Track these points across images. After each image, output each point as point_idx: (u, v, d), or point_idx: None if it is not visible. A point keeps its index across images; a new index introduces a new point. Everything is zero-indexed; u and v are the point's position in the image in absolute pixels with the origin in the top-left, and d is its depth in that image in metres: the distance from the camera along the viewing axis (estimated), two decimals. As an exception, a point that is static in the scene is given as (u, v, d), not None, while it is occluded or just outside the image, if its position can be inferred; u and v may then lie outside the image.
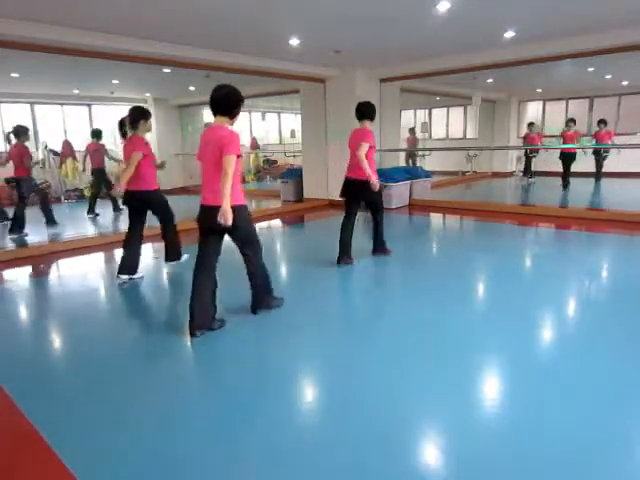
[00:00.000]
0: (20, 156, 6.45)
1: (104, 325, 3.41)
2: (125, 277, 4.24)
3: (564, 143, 9.58)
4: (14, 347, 3.06)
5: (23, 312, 3.86)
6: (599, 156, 10.19)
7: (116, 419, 2.18)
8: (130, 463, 1.88)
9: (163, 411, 2.24)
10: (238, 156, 2.82)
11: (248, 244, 3.10)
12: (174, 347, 2.94)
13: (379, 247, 4.90)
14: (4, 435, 2.12)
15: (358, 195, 4.51)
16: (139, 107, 4.22)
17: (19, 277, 4.84)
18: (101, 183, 8.16)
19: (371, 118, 4.45)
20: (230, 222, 2.74)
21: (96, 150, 8.19)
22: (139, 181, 4.08)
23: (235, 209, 2.78)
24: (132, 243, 4.26)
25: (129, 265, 4.24)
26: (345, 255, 4.56)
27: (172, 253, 4.66)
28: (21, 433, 2.10)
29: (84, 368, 2.72)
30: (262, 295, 3.31)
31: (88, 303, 3.87)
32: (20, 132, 6.52)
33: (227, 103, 2.93)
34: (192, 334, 2.99)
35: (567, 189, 9.55)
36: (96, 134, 8.40)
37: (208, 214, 2.87)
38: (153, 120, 13.18)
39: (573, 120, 9.68)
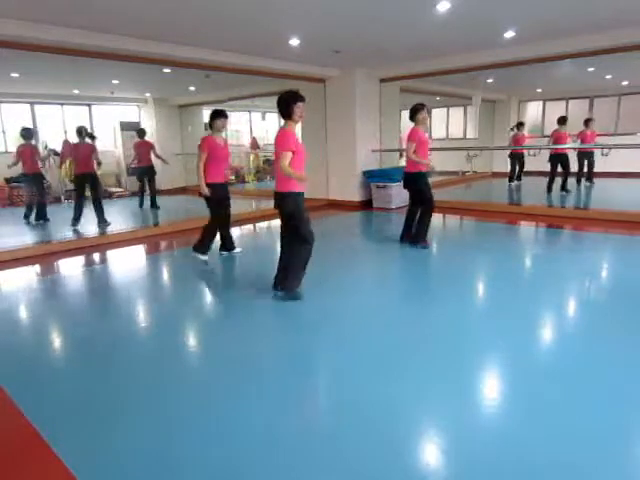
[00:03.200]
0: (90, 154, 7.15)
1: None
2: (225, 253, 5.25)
3: (554, 144, 9.04)
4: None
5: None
6: (590, 157, 9.80)
7: (116, 419, 2.18)
8: (130, 463, 1.88)
9: (162, 410, 2.24)
10: (293, 152, 3.48)
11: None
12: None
13: (416, 237, 5.34)
14: (4, 435, 2.12)
15: (411, 187, 5.28)
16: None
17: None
18: (147, 178, 8.89)
19: (410, 118, 5.19)
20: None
21: (147, 147, 8.73)
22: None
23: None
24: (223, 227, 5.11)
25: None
26: (406, 235, 5.42)
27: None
28: (21, 433, 2.10)
29: (91, 365, 2.73)
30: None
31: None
32: (82, 132, 7.04)
33: (278, 108, 3.58)
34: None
35: (567, 191, 9.08)
36: (142, 132, 8.92)
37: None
38: (153, 120, 13.15)
39: (564, 118, 9.06)
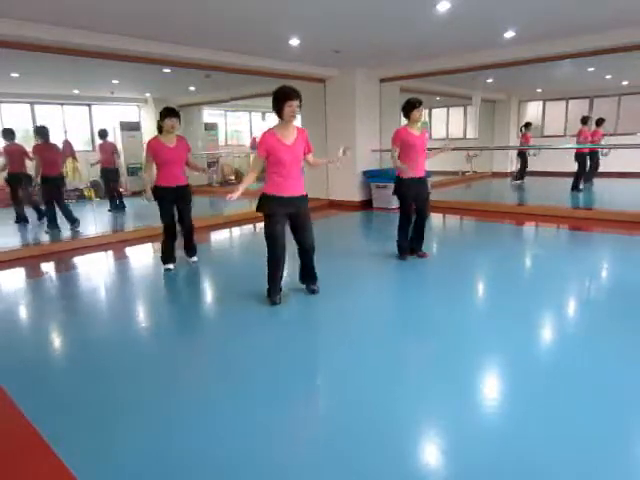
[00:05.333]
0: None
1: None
2: None
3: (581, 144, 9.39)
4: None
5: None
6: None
7: (116, 419, 2.18)
8: (130, 462, 1.88)
9: (162, 410, 2.24)
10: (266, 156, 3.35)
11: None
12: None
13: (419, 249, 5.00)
14: (4, 435, 2.12)
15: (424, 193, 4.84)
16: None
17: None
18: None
19: (405, 115, 4.84)
20: None
21: (111, 149, 8.61)
22: None
23: None
24: None
25: None
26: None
27: None
28: (21, 433, 2.10)
29: (86, 365, 2.73)
30: None
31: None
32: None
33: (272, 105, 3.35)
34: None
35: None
36: (104, 133, 8.74)
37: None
38: (153, 120, 13.06)
39: (586, 118, 9.47)
